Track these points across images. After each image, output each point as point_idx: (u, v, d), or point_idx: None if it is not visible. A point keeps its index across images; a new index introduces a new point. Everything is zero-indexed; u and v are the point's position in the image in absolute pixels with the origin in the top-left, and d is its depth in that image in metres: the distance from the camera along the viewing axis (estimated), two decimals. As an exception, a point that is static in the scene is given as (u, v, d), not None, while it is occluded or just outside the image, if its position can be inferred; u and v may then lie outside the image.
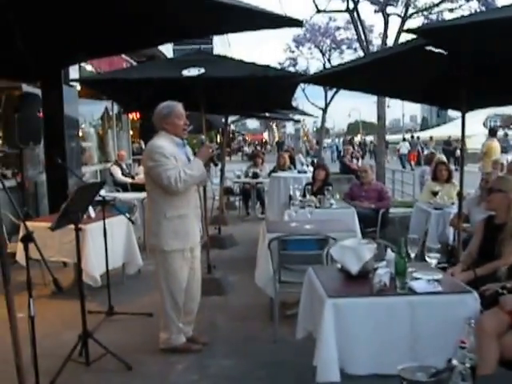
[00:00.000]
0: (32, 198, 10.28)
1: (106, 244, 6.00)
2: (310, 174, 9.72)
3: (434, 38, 3.84)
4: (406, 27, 13.35)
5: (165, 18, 3.97)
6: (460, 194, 5.77)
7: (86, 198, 4.94)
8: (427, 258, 3.74)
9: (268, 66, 6.94)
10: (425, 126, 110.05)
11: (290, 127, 40.22)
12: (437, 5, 14.46)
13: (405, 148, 34.98)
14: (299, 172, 12.48)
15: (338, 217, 7.09)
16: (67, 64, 5.96)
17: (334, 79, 5.56)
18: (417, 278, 3.67)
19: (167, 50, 18.00)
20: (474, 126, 39.06)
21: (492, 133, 16.05)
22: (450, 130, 39.09)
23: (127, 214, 6.58)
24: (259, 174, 13.37)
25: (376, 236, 7.89)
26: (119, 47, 4.87)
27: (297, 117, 18.48)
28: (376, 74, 5.07)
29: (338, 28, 25.58)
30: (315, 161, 17.78)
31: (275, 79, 6.55)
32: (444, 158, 10.51)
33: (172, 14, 3.74)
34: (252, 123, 64.74)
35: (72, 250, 5.53)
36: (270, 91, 7.00)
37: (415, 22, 14.93)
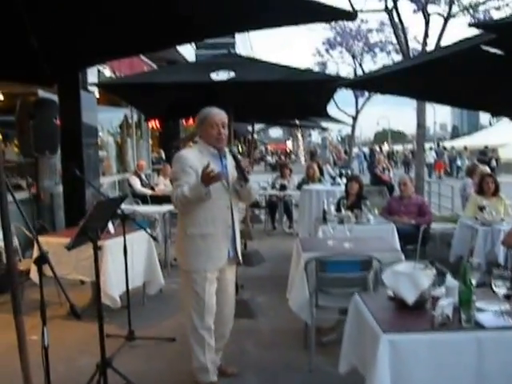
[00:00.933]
0: (48, 210, 9.81)
1: (127, 262, 5.60)
2: (343, 187, 9.18)
3: (501, 33, 3.31)
4: (449, 27, 12.87)
5: (192, 12, 3.51)
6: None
7: (105, 214, 4.50)
8: (494, 287, 3.18)
9: (304, 69, 6.44)
10: (455, 134, 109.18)
11: (315, 136, 39.71)
12: (483, 2, 13.83)
13: (431, 157, 35.05)
14: (332, 184, 11.92)
15: (376, 233, 6.64)
16: (84, 65, 5.57)
17: (378, 83, 5.06)
18: (480, 309, 3.16)
19: (189, 54, 17.55)
20: (507, 135, 38.32)
21: None
22: (482, 138, 38.37)
23: (148, 230, 6.15)
24: (287, 185, 12.87)
25: (417, 254, 7.43)
26: (138, 47, 4.38)
27: (324, 124, 17.97)
28: (427, 76, 4.57)
29: (371, 30, 24.71)
30: (343, 172, 17.18)
31: (312, 83, 6.03)
32: (488, 170, 9.90)
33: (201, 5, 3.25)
34: (275, 132, 64.13)
35: (89, 268, 5.29)
36: (306, 96, 6.49)
37: (459, 22, 14.33)
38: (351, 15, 3.35)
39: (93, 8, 3.63)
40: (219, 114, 4.34)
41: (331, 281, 4.90)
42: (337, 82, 6.14)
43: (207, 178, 3.92)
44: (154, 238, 5.96)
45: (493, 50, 4.17)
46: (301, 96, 6.47)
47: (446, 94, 5.30)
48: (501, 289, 3.18)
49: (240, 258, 4.56)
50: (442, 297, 3.15)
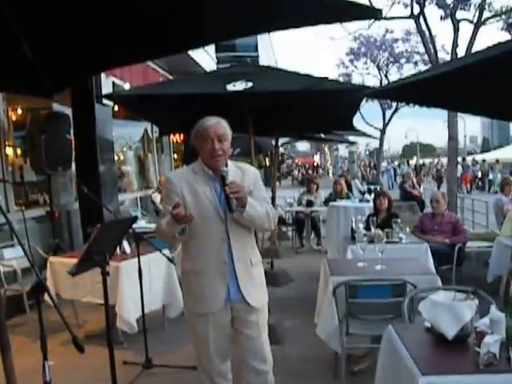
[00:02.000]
0: (65, 228, 9.55)
1: (142, 284, 5.34)
2: (372, 204, 8.79)
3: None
4: (479, 35, 12.37)
5: (204, 13, 3.21)
6: None
7: (113, 237, 4.19)
8: None
9: (327, 79, 6.06)
10: (486, 147, 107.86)
11: (342, 150, 39.38)
12: (514, 8, 13.27)
13: (457, 171, 34.19)
14: (360, 201, 11.51)
15: (408, 253, 6.26)
16: (85, 74, 5.29)
17: (406, 91, 4.64)
18: None
19: (210, 66, 17.29)
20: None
21: None
22: (510, 152, 37.68)
23: (167, 250, 5.86)
24: (314, 201, 12.49)
25: (452, 275, 7.03)
26: (147, 52, 4.06)
27: (351, 138, 17.63)
28: (460, 84, 4.16)
29: (396, 40, 24.22)
30: (372, 187, 16.75)
31: (335, 93, 5.64)
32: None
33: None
34: (302, 145, 64.01)
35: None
36: (330, 108, 6.10)
37: (490, 29, 13.82)
38: (376, 13, 3.01)
39: (95, 13, 3.40)
40: (213, 126, 3.50)
41: (362, 307, 4.55)
42: (362, 91, 5.72)
43: (174, 218, 3.28)
44: (171, 260, 5.64)
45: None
46: (323, 108, 6.09)
47: (482, 104, 4.88)
48: None
49: (249, 300, 3.62)
50: (487, 330, 2.77)
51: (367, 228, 6.81)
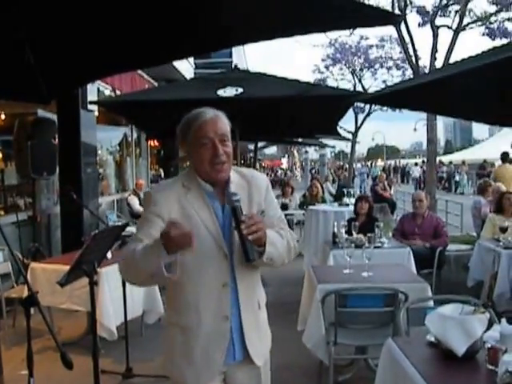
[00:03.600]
0: (45, 231, 9.50)
1: (125, 291, 5.24)
2: (351, 207, 8.77)
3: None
4: (459, 40, 12.57)
5: (193, 25, 3.17)
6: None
7: (103, 245, 4.08)
8: None
9: (317, 84, 6.06)
10: (448, 149, 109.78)
11: (311, 152, 39.55)
12: (494, 14, 13.45)
13: (416, 172, 37.69)
14: (340, 205, 11.51)
15: (391, 257, 6.29)
16: (82, 82, 5.27)
17: (403, 97, 4.67)
18: None
19: (189, 73, 17.47)
20: (502, 149, 38.29)
21: (503, 157, 15.26)
22: (479, 152, 38.34)
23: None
24: (288, 204, 12.47)
25: (433, 279, 7.05)
26: (138, 61, 4.04)
27: (324, 141, 17.70)
28: (455, 90, 4.19)
29: (371, 46, 24.80)
30: (345, 191, 16.77)
31: (326, 99, 5.64)
32: (503, 187, 9.46)
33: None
34: (269, 149, 64.09)
35: (85, 297, 4.85)
36: (317, 113, 6.10)
37: (470, 35, 14.00)
38: (396, 18, 2.97)
39: (89, 24, 3.36)
40: (212, 122, 2.47)
41: (351, 316, 4.49)
42: (354, 96, 5.75)
43: (168, 239, 2.16)
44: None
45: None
46: (313, 112, 6.09)
47: (471, 109, 4.94)
48: None
49: (257, 360, 2.63)
50: (500, 347, 2.65)
51: (349, 232, 6.80)
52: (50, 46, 3.60)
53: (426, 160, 14.28)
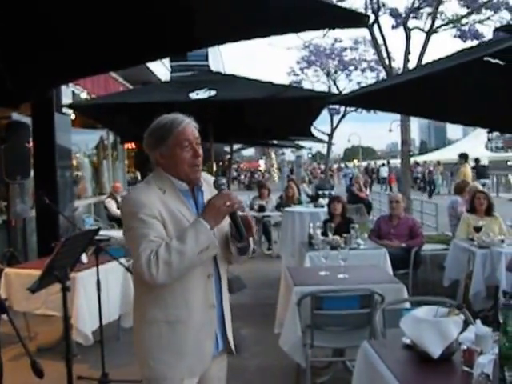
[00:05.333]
0: (20, 236, 9.38)
1: (100, 297, 5.13)
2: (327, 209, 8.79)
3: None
4: (432, 42, 12.74)
5: (167, 25, 3.14)
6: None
7: (75, 250, 4.03)
8: None
9: (290, 86, 6.06)
10: (423, 149, 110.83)
11: (288, 154, 39.60)
12: (465, 16, 13.62)
13: (384, 172, 38.93)
14: (315, 206, 11.53)
15: (367, 259, 6.29)
16: (52, 85, 5.21)
17: (376, 99, 4.70)
18: None
19: (164, 76, 17.46)
20: (476, 148, 38.88)
21: (463, 157, 15.84)
22: (454, 152, 38.80)
23: (124, 259, 5.73)
24: (265, 206, 12.47)
25: (409, 279, 7.08)
26: (111, 63, 3.99)
27: (299, 143, 17.72)
28: (426, 91, 4.22)
29: (345, 49, 25.03)
30: (321, 192, 16.77)
31: (299, 100, 5.64)
32: (480, 187, 9.54)
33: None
34: (247, 150, 64.06)
35: (60, 303, 4.57)
36: (291, 114, 6.09)
37: (442, 36, 14.17)
38: (363, 19, 2.95)
39: (58, 24, 3.31)
40: (189, 127, 2.70)
41: (328, 318, 4.48)
42: (327, 98, 5.76)
43: (223, 209, 2.56)
44: (129, 270, 5.49)
45: (494, 61, 3.89)
46: (288, 114, 6.08)
47: (444, 110, 4.97)
48: None
49: (233, 346, 2.87)
50: (475, 348, 2.65)
51: (324, 234, 6.80)
52: (19, 47, 3.54)
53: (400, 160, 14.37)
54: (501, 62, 3.92)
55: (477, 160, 27.92)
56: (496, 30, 3.37)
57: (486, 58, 3.80)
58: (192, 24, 3.12)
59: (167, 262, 2.44)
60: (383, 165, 42.43)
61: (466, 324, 2.99)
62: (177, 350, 2.63)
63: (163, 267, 2.44)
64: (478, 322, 2.88)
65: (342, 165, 59.93)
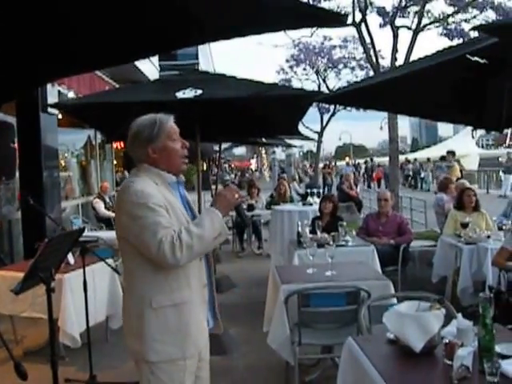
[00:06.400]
0: (7, 237, 9.31)
1: (87, 298, 5.10)
2: (315, 207, 8.79)
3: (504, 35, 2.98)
4: (419, 40, 12.78)
5: (157, 22, 3.11)
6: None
7: (59, 251, 3.98)
8: None
9: (277, 85, 6.05)
10: (415, 147, 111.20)
11: (279, 152, 39.64)
12: (451, 15, 13.69)
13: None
14: (304, 204, 11.52)
15: (355, 256, 6.26)
16: (37, 83, 5.16)
17: (359, 97, 4.69)
18: (502, 355, 2.64)
19: (153, 75, 17.37)
20: (467, 146, 38.99)
21: (452, 154, 16.35)
22: (441, 150, 38.91)
23: (111, 259, 5.70)
24: (255, 205, 12.45)
25: (398, 276, 7.09)
26: (99, 60, 3.93)
27: (289, 141, 17.74)
28: (411, 89, 4.22)
29: (334, 47, 25.03)
30: (309, 191, 16.71)
31: (285, 99, 5.62)
32: (467, 183, 9.57)
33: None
34: (238, 149, 63.97)
35: (47, 305, 4.70)
36: (279, 113, 6.07)
37: (429, 35, 14.25)
38: (341, 19, 2.92)
39: (42, 21, 3.25)
40: (173, 123, 3.00)
41: (315, 316, 4.48)
42: (313, 96, 5.76)
43: (233, 200, 2.90)
44: (116, 271, 5.47)
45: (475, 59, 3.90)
46: (273, 113, 6.06)
47: (428, 107, 4.97)
48: None
49: (221, 324, 3.22)
50: (456, 341, 2.68)
51: (313, 232, 6.80)
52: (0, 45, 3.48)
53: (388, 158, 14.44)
54: (481, 60, 3.92)
55: (444, 158, 28.53)
56: (472, 29, 3.37)
57: (467, 56, 3.80)
58: (180, 22, 3.10)
59: (189, 246, 2.67)
60: (347, 164, 43.14)
61: (450, 318, 3.00)
62: (183, 330, 2.84)
63: (186, 251, 2.66)
64: (460, 316, 2.90)
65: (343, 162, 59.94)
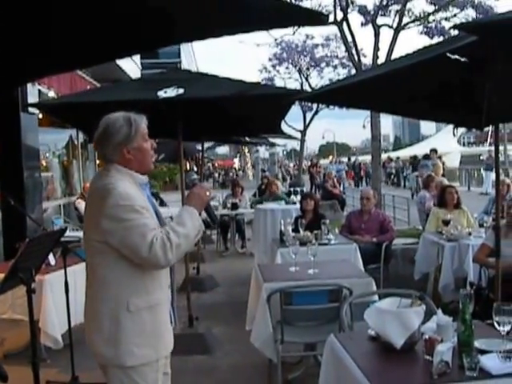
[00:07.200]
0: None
1: (68, 298, 5.07)
2: (298, 205, 8.80)
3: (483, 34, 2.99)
4: (400, 39, 12.90)
5: (137, 21, 3.09)
6: (497, 222, 4.89)
7: (40, 252, 3.95)
8: (496, 324, 2.72)
9: (259, 83, 6.04)
10: (398, 145, 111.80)
11: (262, 151, 39.56)
12: (432, 13, 13.81)
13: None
14: (287, 203, 11.53)
15: (338, 254, 6.30)
16: (16, 83, 5.12)
17: (340, 95, 4.70)
18: (481, 351, 2.67)
19: (135, 73, 17.32)
20: (449, 143, 39.32)
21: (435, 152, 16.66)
22: (423, 148, 39.17)
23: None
24: (239, 204, 12.42)
25: (380, 274, 7.12)
26: (80, 60, 3.90)
27: (272, 140, 17.78)
28: (391, 87, 4.23)
29: (316, 45, 25.05)
30: (292, 190, 16.75)
31: (267, 98, 5.62)
32: (446, 181, 9.64)
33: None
34: (222, 148, 63.87)
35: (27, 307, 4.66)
36: (260, 112, 6.06)
37: (410, 33, 14.36)
38: (321, 18, 2.92)
39: (21, 19, 3.22)
40: (145, 121, 2.97)
41: (297, 314, 4.48)
42: (295, 95, 5.76)
43: (205, 197, 2.91)
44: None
45: (454, 57, 3.92)
46: (255, 112, 6.05)
47: (408, 106, 4.98)
48: (505, 326, 2.68)
49: (177, 321, 3.39)
50: (436, 337, 2.70)
51: (296, 230, 6.81)
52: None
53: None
54: (461, 59, 3.94)
55: (415, 157, 29.58)
56: (452, 28, 3.41)
57: (448, 55, 3.82)
58: (161, 21, 3.08)
59: (178, 246, 2.69)
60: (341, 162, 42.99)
61: (431, 314, 3.02)
62: (157, 331, 2.87)
63: (176, 251, 2.68)
64: (440, 312, 2.92)
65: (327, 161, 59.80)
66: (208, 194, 2.95)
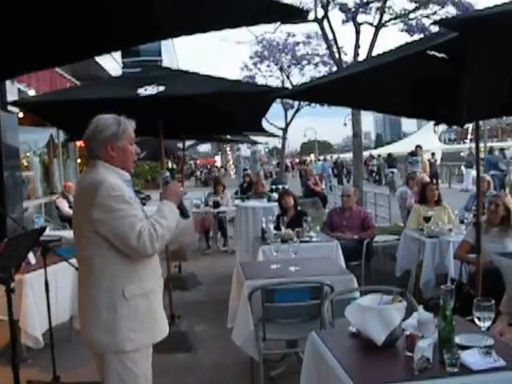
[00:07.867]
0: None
1: (48, 297, 5.03)
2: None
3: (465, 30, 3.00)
4: (381, 36, 12.95)
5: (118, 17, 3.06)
6: (478, 218, 4.93)
7: (20, 251, 3.90)
8: (476, 320, 2.73)
9: (240, 81, 6.02)
10: (379, 142, 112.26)
11: (244, 149, 39.50)
12: (412, 11, 13.86)
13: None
14: (269, 200, 11.53)
15: (320, 251, 6.28)
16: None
17: (320, 92, 4.70)
18: (461, 346, 2.68)
19: (115, 71, 17.22)
20: (430, 141, 39.61)
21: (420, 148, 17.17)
22: (405, 146, 39.38)
23: (74, 259, 5.60)
24: (220, 202, 12.41)
25: (362, 270, 7.15)
26: (59, 57, 3.84)
27: (254, 138, 17.77)
28: (372, 84, 4.23)
29: (298, 43, 24.90)
30: (274, 187, 16.70)
31: (248, 95, 5.61)
32: (427, 178, 9.70)
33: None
34: (203, 147, 63.73)
35: (6, 307, 4.62)
36: (241, 110, 6.04)
37: (390, 31, 14.43)
38: (302, 14, 2.92)
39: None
40: (133, 126, 3.18)
41: (279, 311, 4.48)
42: (274, 92, 5.76)
43: (179, 192, 3.17)
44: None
45: (440, 55, 3.94)
46: (237, 109, 6.02)
47: (389, 102, 4.98)
48: (485, 322, 2.69)
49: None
50: (417, 333, 2.72)
51: (277, 228, 6.81)
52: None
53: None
54: (438, 55, 3.97)
55: (389, 154, 30.75)
56: (433, 23, 3.42)
57: (428, 51, 3.84)
58: (141, 17, 3.06)
59: (163, 237, 2.91)
60: (318, 160, 43.22)
61: (412, 310, 3.03)
62: (152, 317, 3.06)
63: (161, 241, 2.91)
64: (421, 308, 2.93)
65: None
66: (182, 189, 3.23)
